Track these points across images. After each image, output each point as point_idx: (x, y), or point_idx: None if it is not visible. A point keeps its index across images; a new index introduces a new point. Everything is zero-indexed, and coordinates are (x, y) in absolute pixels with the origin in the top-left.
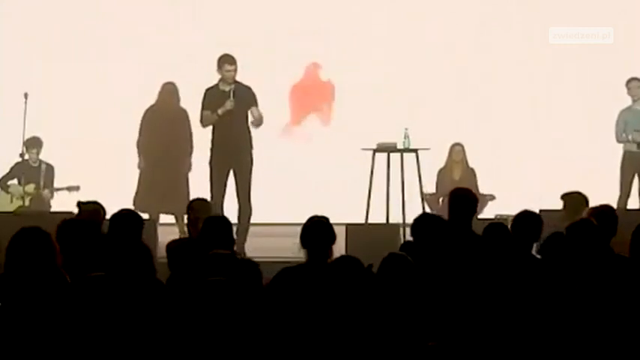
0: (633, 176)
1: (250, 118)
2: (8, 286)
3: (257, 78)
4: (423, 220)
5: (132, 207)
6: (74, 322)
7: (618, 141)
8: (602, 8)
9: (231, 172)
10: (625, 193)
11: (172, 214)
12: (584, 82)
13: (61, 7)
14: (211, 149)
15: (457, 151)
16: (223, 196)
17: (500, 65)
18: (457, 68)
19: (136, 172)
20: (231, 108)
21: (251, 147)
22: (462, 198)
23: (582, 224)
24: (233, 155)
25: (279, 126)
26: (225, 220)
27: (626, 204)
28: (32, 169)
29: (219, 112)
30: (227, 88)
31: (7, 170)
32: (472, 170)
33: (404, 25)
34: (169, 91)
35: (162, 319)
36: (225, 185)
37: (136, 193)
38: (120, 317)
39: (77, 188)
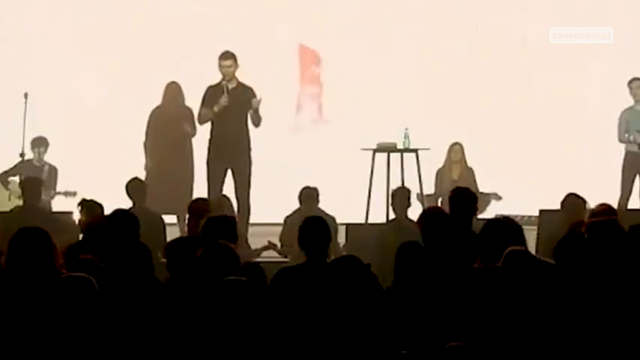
0: (634, 176)
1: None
2: (8, 285)
3: (257, 77)
4: (431, 214)
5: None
6: (73, 322)
7: (620, 141)
8: (602, 8)
9: (229, 172)
10: (626, 192)
11: (174, 213)
12: (584, 82)
13: (61, 7)
14: (209, 148)
15: (456, 151)
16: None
17: (500, 65)
18: (457, 68)
19: (137, 172)
20: (226, 104)
21: (249, 148)
22: (463, 197)
23: (607, 225)
24: (231, 155)
25: (278, 126)
26: (229, 219)
27: (626, 204)
28: (35, 169)
29: (215, 108)
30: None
31: (11, 166)
32: (471, 170)
33: (404, 24)
34: (173, 91)
35: (162, 318)
36: (222, 184)
37: None
38: (119, 316)
39: (74, 194)
